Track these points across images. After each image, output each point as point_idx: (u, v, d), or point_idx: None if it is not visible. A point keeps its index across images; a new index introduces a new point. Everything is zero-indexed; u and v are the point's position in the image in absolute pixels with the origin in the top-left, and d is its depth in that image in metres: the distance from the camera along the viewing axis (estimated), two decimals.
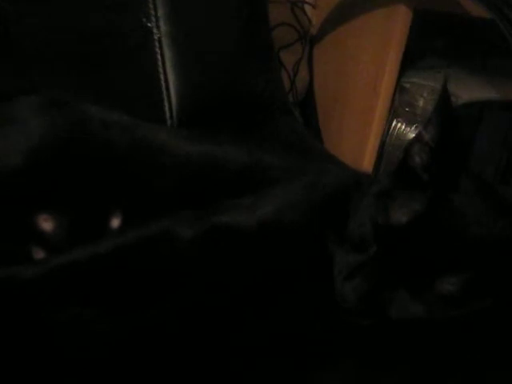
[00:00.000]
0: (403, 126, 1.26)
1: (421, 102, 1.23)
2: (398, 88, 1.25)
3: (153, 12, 1.05)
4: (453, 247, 0.53)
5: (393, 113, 1.26)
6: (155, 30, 1.07)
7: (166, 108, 1.07)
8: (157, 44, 1.08)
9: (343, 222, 0.59)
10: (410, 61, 1.29)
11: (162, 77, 1.08)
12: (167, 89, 1.08)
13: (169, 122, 1.06)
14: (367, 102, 1.32)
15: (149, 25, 1.05)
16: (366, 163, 1.32)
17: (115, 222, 0.71)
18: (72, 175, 0.73)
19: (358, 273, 0.54)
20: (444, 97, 0.57)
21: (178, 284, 0.59)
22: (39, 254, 0.71)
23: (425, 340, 0.57)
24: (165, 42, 1.08)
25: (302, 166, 0.73)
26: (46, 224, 0.71)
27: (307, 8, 1.57)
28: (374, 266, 0.54)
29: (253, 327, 0.58)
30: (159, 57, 1.07)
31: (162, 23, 1.06)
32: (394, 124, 1.27)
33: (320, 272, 0.58)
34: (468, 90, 1.20)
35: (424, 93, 1.23)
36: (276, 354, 0.56)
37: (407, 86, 1.26)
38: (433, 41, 1.32)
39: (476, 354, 0.57)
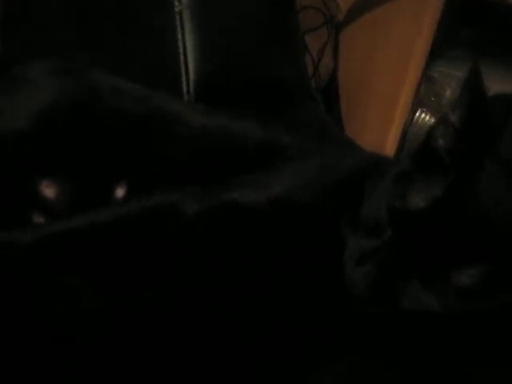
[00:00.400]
0: (427, 117, 1.21)
1: (448, 93, 1.18)
2: (425, 77, 1.20)
3: None
4: (473, 236, 0.49)
5: (417, 102, 1.21)
6: (176, 3, 1.04)
7: (184, 83, 1.05)
8: (177, 17, 1.05)
9: (358, 205, 0.55)
10: (439, 50, 1.24)
11: (181, 51, 1.05)
12: (185, 63, 1.05)
13: (186, 97, 1.03)
14: (392, 90, 1.28)
15: None
16: (388, 152, 1.28)
17: (120, 192, 0.68)
18: (79, 142, 0.70)
19: (370, 258, 0.51)
20: (474, 77, 0.52)
21: (179, 261, 0.56)
22: (40, 220, 0.69)
23: (436, 336, 0.53)
24: (185, 15, 1.05)
25: (319, 148, 0.69)
26: (49, 190, 0.69)
27: None
28: (388, 252, 0.50)
29: (254, 312, 0.55)
30: (179, 29, 1.05)
31: None
32: (418, 114, 1.22)
33: (330, 256, 0.55)
34: (498, 82, 1.15)
35: (452, 83, 1.18)
36: (276, 342, 0.53)
37: (435, 75, 1.21)
38: (464, 30, 1.27)
39: (489, 354, 0.53)
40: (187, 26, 1.05)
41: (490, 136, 0.52)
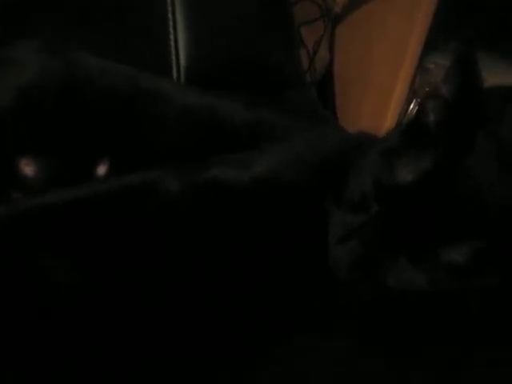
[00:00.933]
0: None
1: None
2: (421, 68, 1.19)
3: None
4: (463, 212, 0.46)
5: (413, 94, 1.19)
6: None
7: (174, 72, 1.03)
8: (169, 8, 1.03)
9: (343, 183, 0.53)
10: (435, 41, 1.23)
11: (171, 38, 1.03)
12: (176, 52, 1.04)
13: (175, 79, 1.01)
14: (387, 81, 1.26)
15: None
16: None
17: (102, 170, 0.66)
18: (62, 119, 0.69)
19: (355, 235, 0.48)
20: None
21: (160, 240, 0.54)
22: None
23: (424, 318, 0.51)
24: (177, 3, 1.03)
25: (305, 126, 0.67)
26: (28, 168, 0.67)
27: None
28: (373, 228, 0.48)
29: (240, 295, 0.52)
30: (170, 16, 1.03)
31: None
32: (412, 105, 1.21)
33: (318, 237, 0.52)
34: (495, 74, 1.13)
35: None
36: (261, 328, 0.51)
37: (431, 66, 1.19)
38: (461, 22, 1.25)
39: (479, 335, 0.50)
40: (178, 15, 1.03)
41: (482, 110, 0.50)
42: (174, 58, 1.03)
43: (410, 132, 0.53)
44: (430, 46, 1.23)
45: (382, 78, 1.28)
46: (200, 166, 0.59)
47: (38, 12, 0.97)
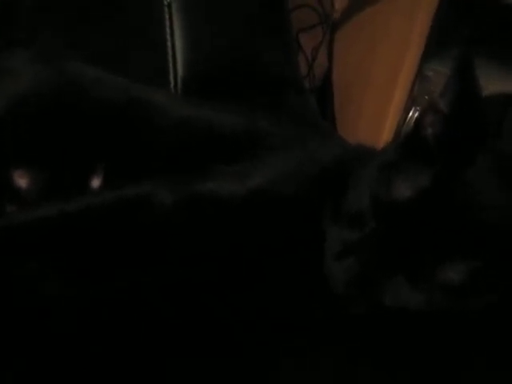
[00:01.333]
0: None
1: None
2: (420, 76, 1.18)
3: None
4: (461, 230, 0.45)
5: (412, 102, 1.18)
6: None
7: (171, 76, 1.03)
8: (166, 10, 1.03)
9: (341, 197, 0.52)
10: (434, 49, 1.22)
11: (169, 44, 1.03)
12: (173, 57, 1.03)
13: (172, 87, 1.01)
14: (386, 89, 1.26)
15: None
16: None
17: (96, 182, 0.65)
18: (56, 130, 0.68)
19: (352, 252, 0.48)
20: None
21: (152, 254, 0.53)
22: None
23: (420, 336, 0.49)
24: (174, 8, 1.03)
25: (303, 137, 0.66)
26: (22, 181, 0.66)
27: None
28: (370, 245, 0.47)
29: (233, 308, 0.51)
30: (167, 23, 1.02)
31: None
32: (411, 113, 1.20)
33: (313, 251, 0.51)
34: (495, 81, 1.12)
35: None
36: (253, 341, 0.50)
37: (430, 74, 1.19)
38: (460, 29, 1.25)
39: (476, 355, 0.49)
40: (176, 19, 1.03)
41: (481, 124, 0.49)
42: (170, 63, 1.03)
43: (409, 146, 0.52)
44: (429, 51, 1.22)
45: (381, 85, 1.28)
46: (195, 179, 0.58)
47: (37, 14, 0.96)
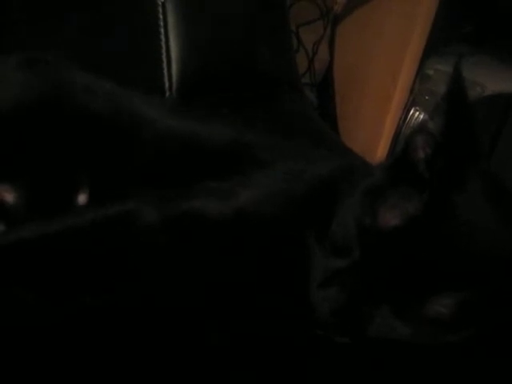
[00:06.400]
0: (421, 115, 1.17)
1: (444, 91, 1.13)
2: (420, 75, 1.16)
3: None
4: (451, 261, 0.44)
5: (412, 101, 1.16)
6: None
7: (166, 77, 1.01)
8: (160, 10, 1.01)
9: (327, 219, 0.51)
10: (435, 47, 1.19)
11: (163, 44, 1.01)
12: (168, 57, 1.01)
13: (167, 86, 1.00)
14: (386, 87, 1.24)
15: None
16: (381, 151, 1.24)
17: (82, 198, 0.64)
18: (41, 142, 0.66)
19: (335, 281, 0.46)
20: (456, 82, 0.48)
21: (136, 276, 0.52)
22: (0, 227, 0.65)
23: (404, 368, 0.48)
24: (168, 7, 1.01)
25: (293, 149, 0.65)
26: (8, 195, 0.65)
27: None
28: (355, 275, 0.46)
29: (214, 330, 0.51)
30: (161, 23, 1.01)
31: None
32: (411, 112, 1.18)
33: (296, 276, 0.50)
34: (496, 81, 1.10)
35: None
36: (236, 365, 0.49)
37: (430, 72, 1.16)
38: (461, 26, 1.22)
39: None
40: (170, 19, 1.01)
41: (473, 149, 0.48)
42: (165, 63, 1.01)
43: (397, 169, 0.50)
44: (430, 48, 1.20)
45: (380, 83, 1.26)
46: (180, 196, 0.57)
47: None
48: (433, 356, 0.47)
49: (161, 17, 1.01)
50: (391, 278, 0.45)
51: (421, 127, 0.50)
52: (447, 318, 0.44)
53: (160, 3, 1.00)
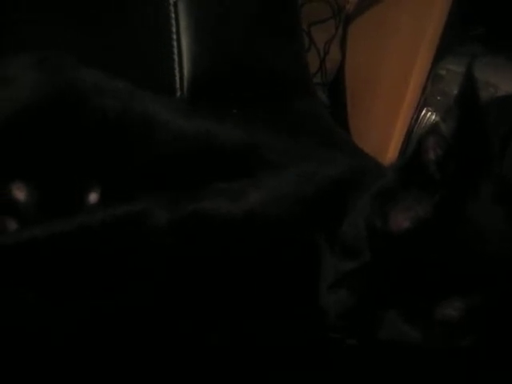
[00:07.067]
0: (433, 116, 1.16)
1: (456, 92, 1.12)
2: (432, 75, 1.15)
3: None
4: (460, 264, 0.44)
5: (423, 101, 1.16)
6: None
7: (177, 77, 1.02)
8: (172, 9, 1.01)
9: (338, 221, 0.51)
10: (448, 47, 1.19)
11: (175, 44, 1.01)
12: (180, 57, 1.02)
13: (178, 86, 1.00)
14: (398, 88, 1.23)
15: None
16: (392, 151, 1.24)
17: (93, 197, 0.65)
18: (54, 142, 0.67)
19: (345, 283, 0.46)
20: (468, 83, 0.48)
21: (144, 276, 0.52)
22: (11, 224, 0.65)
23: (414, 371, 0.48)
24: (181, 7, 1.01)
25: (304, 152, 0.65)
26: (20, 193, 0.65)
27: None
28: (365, 277, 0.46)
29: (224, 334, 0.50)
30: (173, 22, 1.01)
31: None
32: (423, 113, 1.17)
33: (306, 278, 0.50)
34: (509, 82, 1.09)
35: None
36: (243, 366, 0.49)
37: (443, 73, 1.15)
38: (474, 27, 1.21)
39: None
40: (182, 19, 1.01)
41: (485, 151, 0.47)
42: (176, 63, 1.01)
43: (409, 171, 0.50)
44: (443, 48, 1.19)
45: (392, 83, 1.25)
46: (190, 197, 0.57)
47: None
48: (441, 359, 0.47)
49: (173, 16, 1.01)
50: (401, 280, 0.45)
51: (433, 128, 0.49)
52: (457, 322, 0.44)
53: (172, 3, 1.00)
